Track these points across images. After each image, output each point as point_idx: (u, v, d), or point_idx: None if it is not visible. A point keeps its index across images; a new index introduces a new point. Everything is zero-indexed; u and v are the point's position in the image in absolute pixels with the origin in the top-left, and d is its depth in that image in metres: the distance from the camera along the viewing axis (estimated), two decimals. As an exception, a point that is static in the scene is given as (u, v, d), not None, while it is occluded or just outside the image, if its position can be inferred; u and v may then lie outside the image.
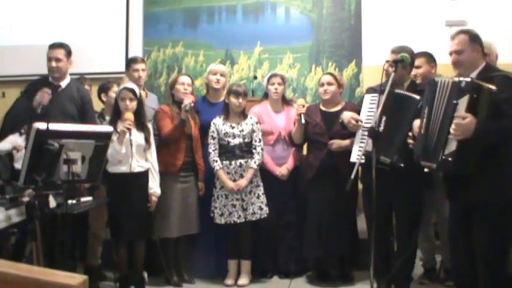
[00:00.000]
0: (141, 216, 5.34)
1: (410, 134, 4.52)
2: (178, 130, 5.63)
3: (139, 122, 5.43)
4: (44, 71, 5.65)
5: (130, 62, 6.29)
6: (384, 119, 4.72)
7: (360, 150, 4.83)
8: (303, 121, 5.57)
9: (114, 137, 5.07)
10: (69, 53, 5.57)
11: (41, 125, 3.93)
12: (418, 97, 4.71)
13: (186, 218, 5.71)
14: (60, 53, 5.51)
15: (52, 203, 4.29)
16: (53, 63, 5.47)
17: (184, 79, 5.83)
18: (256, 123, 5.74)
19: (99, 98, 6.06)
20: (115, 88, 5.91)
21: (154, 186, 5.46)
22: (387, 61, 4.83)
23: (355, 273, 5.81)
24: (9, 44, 7.59)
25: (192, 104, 5.68)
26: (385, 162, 4.69)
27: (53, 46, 5.54)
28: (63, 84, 5.55)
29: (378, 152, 4.48)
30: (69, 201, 4.39)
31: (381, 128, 4.68)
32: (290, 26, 7.57)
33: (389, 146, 4.71)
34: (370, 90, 5.13)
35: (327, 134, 5.59)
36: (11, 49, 7.52)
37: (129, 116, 5.27)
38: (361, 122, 5.04)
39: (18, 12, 7.76)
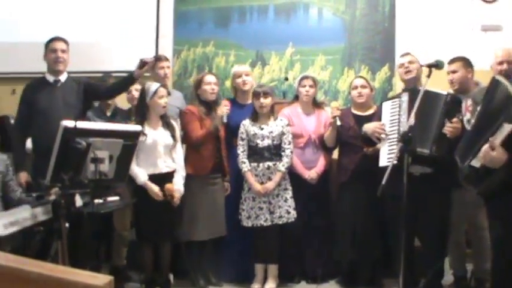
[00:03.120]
0: (167, 218, 5.30)
1: (447, 128, 4.66)
2: (211, 136, 5.58)
3: (165, 122, 5.39)
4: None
5: (155, 60, 6.19)
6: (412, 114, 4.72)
7: (390, 154, 4.79)
8: (339, 123, 5.47)
9: (142, 138, 5.01)
10: (68, 48, 5.56)
11: (68, 123, 3.89)
12: (445, 92, 4.88)
13: (214, 220, 5.65)
14: (64, 45, 5.51)
15: (78, 202, 4.25)
16: (59, 54, 5.45)
17: (211, 78, 5.74)
18: (287, 125, 5.64)
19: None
20: (136, 85, 5.89)
21: (178, 183, 5.40)
22: (421, 65, 4.81)
23: (385, 281, 5.71)
24: (27, 40, 7.61)
25: (228, 112, 5.61)
26: (422, 154, 4.74)
27: (56, 39, 5.54)
28: (63, 78, 5.52)
29: (413, 146, 4.57)
30: (96, 201, 4.35)
31: (412, 121, 4.65)
32: (322, 28, 7.47)
33: (424, 138, 4.77)
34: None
35: (361, 137, 5.49)
36: (27, 45, 7.54)
37: (171, 188, 5.28)
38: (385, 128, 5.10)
39: (41, 8, 7.78)
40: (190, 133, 5.61)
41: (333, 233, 5.74)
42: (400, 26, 7.26)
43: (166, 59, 6.24)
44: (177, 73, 7.49)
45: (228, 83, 6.80)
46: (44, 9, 7.78)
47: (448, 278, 5.59)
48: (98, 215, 4.71)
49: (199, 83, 5.75)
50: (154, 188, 5.21)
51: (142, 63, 5.38)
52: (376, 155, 5.27)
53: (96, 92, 5.64)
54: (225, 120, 5.60)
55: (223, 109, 5.58)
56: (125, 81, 5.50)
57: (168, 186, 5.28)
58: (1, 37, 7.90)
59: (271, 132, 5.58)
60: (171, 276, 5.67)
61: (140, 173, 5.20)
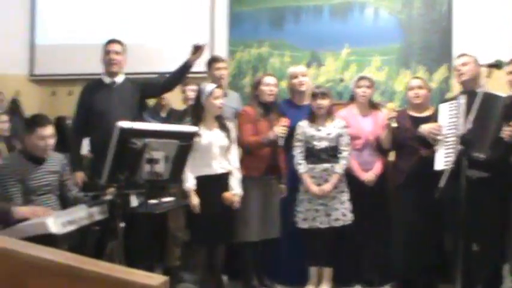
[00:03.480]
0: (222, 220, 5.28)
1: (505, 131, 4.59)
2: (263, 146, 5.56)
3: (220, 123, 5.39)
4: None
5: (211, 61, 6.23)
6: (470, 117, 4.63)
7: (446, 157, 4.71)
8: (395, 125, 5.40)
9: (197, 139, 5.01)
10: (124, 50, 5.63)
11: (124, 124, 3.91)
12: (504, 94, 4.75)
13: (267, 221, 5.60)
14: (118, 47, 5.57)
15: (133, 202, 4.28)
16: (113, 55, 5.51)
17: (270, 80, 5.70)
18: (344, 127, 5.57)
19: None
20: (191, 86, 5.90)
21: (235, 186, 5.39)
22: (482, 65, 4.71)
23: (441, 286, 5.60)
24: (84, 43, 7.72)
25: (285, 133, 5.53)
26: (478, 159, 4.61)
27: (112, 41, 5.61)
28: (119, 79, 5.58)
29: (469, 150, 4.49)
30: (151, 201, 4.37)
31: (469, 125, 4.57)
32: (378, 27, 7.38)
33: (481, 141, 4.64)
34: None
35: (417, 138, 5.41)
36: (84, 47, 7.65)
37: (229, 198, 5.30)
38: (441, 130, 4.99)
39: (98, 10, 7.89)
40: (241, 136, 5.59)
41: (389, 236, 5.65)
42: (458, 25, 7.12)
43: (223, 60, 6.25)
44: (231, 74, 7.48)
45: (283, 84, 6.80)
46: (101, 11, 7.90)
47: (507, 285, 5.47)
48: (152, 215, 4.73)
49: (258, 84, 5.72)
50: (194, 200, 5.18)
51: (196, 48, 5.41)
52: (432, 157, 5.20)
53: (153, 87, 5.70)
54: (281, 143, 5.49)
55: (280, 129, 5.46)
56: (181, 70, 5.53)
57: (226, 195, 5.28)
58: (58, 39, 8.06)
59: (329, 133, 5.51)
60: (225, 278, 5.67)
61: (189, 178, 5.18)
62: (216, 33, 7.62)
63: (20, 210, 4.03)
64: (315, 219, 5.48)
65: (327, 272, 5.64)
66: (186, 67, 5.49)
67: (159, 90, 5.80)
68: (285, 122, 5.49)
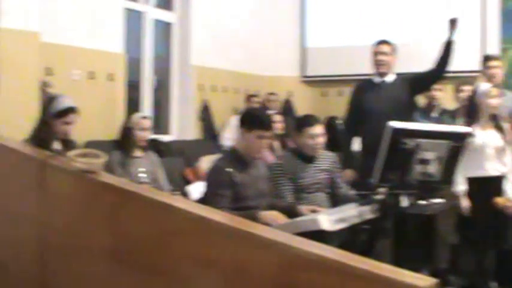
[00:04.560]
0: (494, 224, 5.13)
1: None
2: None
3: (496, 123, 5.21)
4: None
5: (484, 59, 6.09)
6: None
7: None
8: None
9: (470, 139, 4.90)
10: (393, 50, 5.63)
11: (396, 124, 3.93)
12: None
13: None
14: (386, 48, 5.59)
15: (404, 202, 4.28)
16: (380, 57, 5.55)
17: None
18: None
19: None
20: (466, 86, 5.78)
21: (509, 190, 5.18)
22: None
23: None
24: (355, 44, 7.85)
25: None
26: None
27: (380, 42, 5.66)
28: (389, 79, 5.60)
29: None
30: (421, 202, 4.34)
31: None
32: None
33: None
34: None
35: None
36: (354, 49, 7.78)
37: (501, 202, 5.12)
38: None
39: (367, 12, 8.01)
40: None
41: None
42: None
43: (496, 59, 6.08)
44: (504, 72, 7.22)
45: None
46: (369, 13, 8.02)
47: None
48: (421, 216, 4.71)
49: None
50: (465, 203, 5.14)
51: (452, 22, 5.32)
52: None
53: (423, 78, 5.65)
54: None
55: None
56: (445, 50, 5.40)
57: (499, 200, 5.11)
58: (327, 42, 8.32)
59: None
60: (494, 284, 5.49)
61: (460, 180, 5.09)
62: (487, 31, 7.40)
63: (264, 216, 4.18)
64: None
65: None
66: (448, 45, 5.37)
67: (430, 80, 5.71)
68: None
